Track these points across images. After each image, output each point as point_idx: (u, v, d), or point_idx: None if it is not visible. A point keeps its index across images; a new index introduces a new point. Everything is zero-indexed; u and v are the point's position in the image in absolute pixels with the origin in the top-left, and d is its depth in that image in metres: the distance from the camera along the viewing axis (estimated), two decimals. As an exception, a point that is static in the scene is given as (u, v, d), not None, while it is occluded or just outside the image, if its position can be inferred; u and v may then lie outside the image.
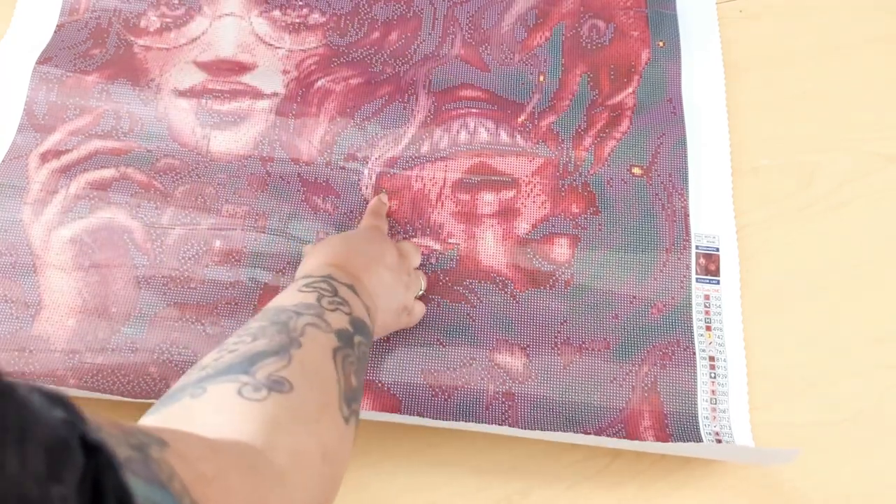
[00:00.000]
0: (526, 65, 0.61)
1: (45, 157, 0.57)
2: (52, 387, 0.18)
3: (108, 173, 0.56)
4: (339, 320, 0.38)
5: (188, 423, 0.29)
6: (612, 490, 0.48)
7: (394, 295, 0.47)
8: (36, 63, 0.59)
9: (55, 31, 0.61)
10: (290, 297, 0.39)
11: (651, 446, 0.47)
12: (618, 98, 0.60)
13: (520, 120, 0.58)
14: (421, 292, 0.51)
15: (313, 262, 0.45)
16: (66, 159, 0.56)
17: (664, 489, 0.48)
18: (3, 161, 0.56)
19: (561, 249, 0.54)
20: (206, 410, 0.30)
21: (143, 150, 0.57)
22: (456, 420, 0.48)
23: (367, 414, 0.47)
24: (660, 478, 0.48)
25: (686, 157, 0.57)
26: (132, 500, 0.18)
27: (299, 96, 0.59)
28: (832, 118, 0.60)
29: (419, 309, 0.50)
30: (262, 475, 0.28)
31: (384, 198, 0.55)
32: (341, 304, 0.39)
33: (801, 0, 0.65)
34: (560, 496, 0.48)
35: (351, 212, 0.55)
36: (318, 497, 0.32)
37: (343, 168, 0.57)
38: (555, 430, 0.48)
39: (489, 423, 0.48)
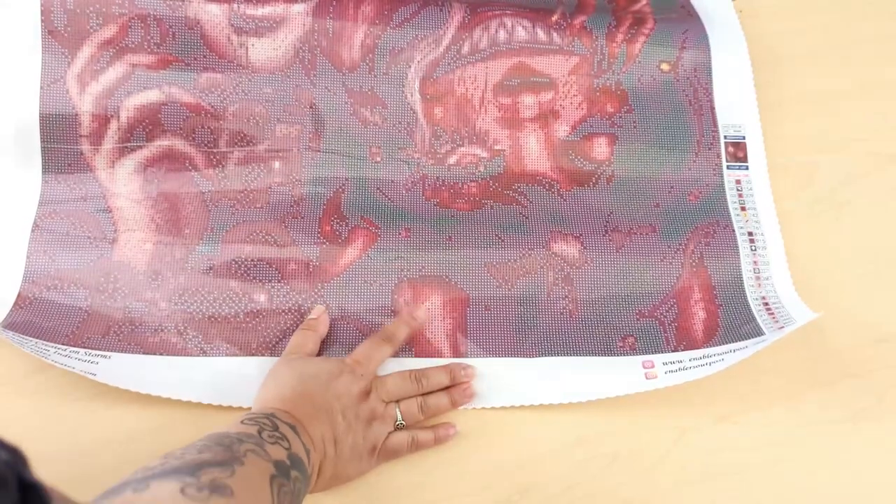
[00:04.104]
0: None
1: (82, 80, 0.55)
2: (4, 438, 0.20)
3: (153, 96, 0.56)
4: (277, 452, 0.39)
5: None
6: (613, 490, 0.48)
7: (350, 442, 0.45)
8: None
9: None
10: (232, 426, 0.40)
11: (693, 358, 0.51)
12: (635, 7, 0.61)
13: (554, 18, 0.59)
14: (399, 423, 0.48)
15: (261, 400, 0.46)
16: (104, 80, 0.55)
17: (664, 489, 0.49)
18: (41, 88, 0.55)
19: (600, 149, 0.58)
20: None
21: (180, 63, 0.56)
22: (522, 308, 0.54)
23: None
24: (660, 478, 0.49)
25: (710, 51, 0.60)
26: None
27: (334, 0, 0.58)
28: (832, 118, 0.60)
29: (397, 441, 0.47)
30: None
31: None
32: (281, 438, 0.40)
33: (800, 0, 0.63)
34: (560, 496, 0.48)
35: (399, 122, 0.57)
36: None
37: (386, 74, 0.58)
38: (611, 319, 0.53)
39: (549, 315, 0.53)
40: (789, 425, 0.51)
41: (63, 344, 0.50)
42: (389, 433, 0.48)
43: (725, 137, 0.59)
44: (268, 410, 0.43)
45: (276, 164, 0.56)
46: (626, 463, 0.49)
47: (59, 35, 0.56)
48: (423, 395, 0.50)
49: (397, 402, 0.49)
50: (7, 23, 0.55)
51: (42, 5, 0.55)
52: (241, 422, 0.41)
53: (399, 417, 0.48)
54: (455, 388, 0.50)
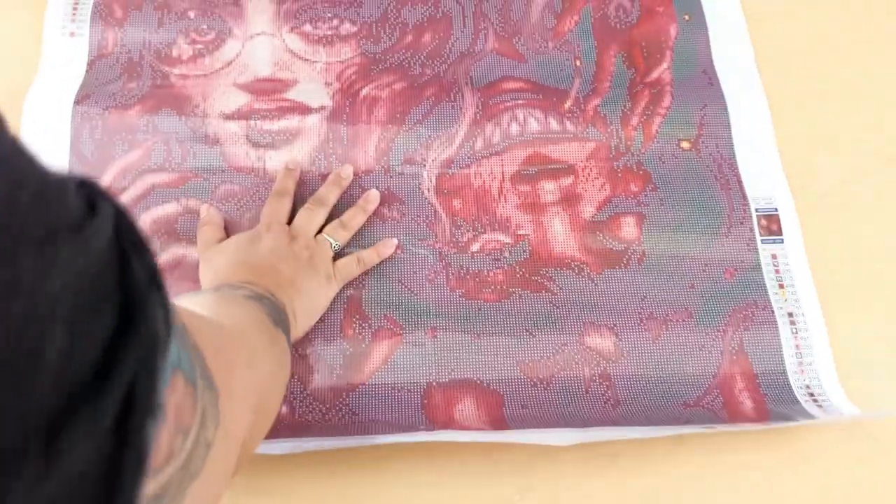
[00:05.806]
0: (560, 51, 0.62)
1: None
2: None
3: (171, 208, 0.56)
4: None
5: None
6: (613, 490, 0.48)
7: (305, 280, 0.49)
8: (74, 103, 0.59)
9: (87, 70, 0.61)
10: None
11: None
12: (655, 75, 0.61)
13: (566, 106, 0.59)
14: (335, 246, 0.52)
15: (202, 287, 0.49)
16: (124, 198, 0.56)
17: (664, 490, 0.48)
18: None
19: (629, 228, 0.56)
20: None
21: (199, 179, 0.57)
22: (560, 404, 0.50)
23: (478, 435, 0.48)
24: (660, 478, 0.48)
25: (729, 125, 0.59)
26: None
27: (347, 107, 0.59)
28: (832, 118, 0.60)
29: (345, 264, 0.52)
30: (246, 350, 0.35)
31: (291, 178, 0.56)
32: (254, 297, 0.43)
33: (801, 1, 0.65)
34: (560, 496, 0.48)
35: (418, 216, 0.56)
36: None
37: (402, 174, 0.57)
38: (658, 409, 0.50)
39: (591, 408, 0.50)
40: (789, 425, 0.49)
41: None
42: (335, 261, 0.52)
43: (757, 210, 0.57)
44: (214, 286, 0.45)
45: None
46: (626, 463, 0.49)
47: (86, 161, 0.57)
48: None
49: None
50: (40, 148, 0.57)
51: (72, 136, 0.58)
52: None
53: (332, 241, 0.52)
54: (361, 200, 0.55)
